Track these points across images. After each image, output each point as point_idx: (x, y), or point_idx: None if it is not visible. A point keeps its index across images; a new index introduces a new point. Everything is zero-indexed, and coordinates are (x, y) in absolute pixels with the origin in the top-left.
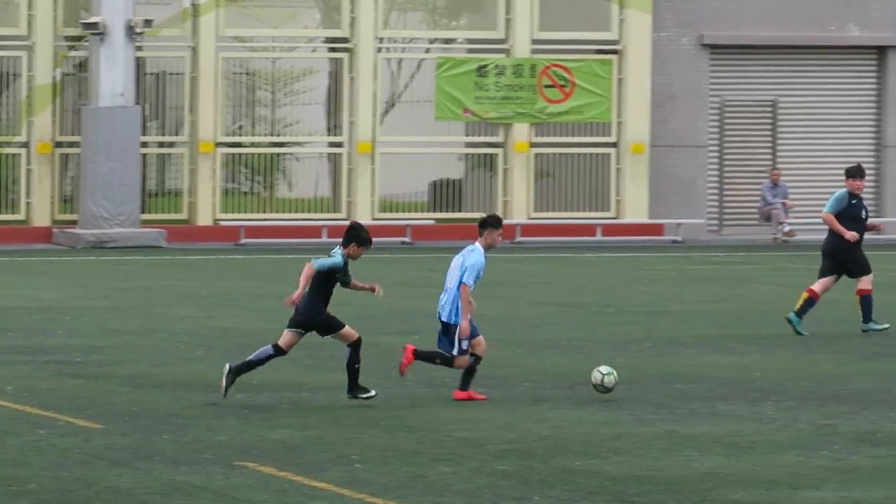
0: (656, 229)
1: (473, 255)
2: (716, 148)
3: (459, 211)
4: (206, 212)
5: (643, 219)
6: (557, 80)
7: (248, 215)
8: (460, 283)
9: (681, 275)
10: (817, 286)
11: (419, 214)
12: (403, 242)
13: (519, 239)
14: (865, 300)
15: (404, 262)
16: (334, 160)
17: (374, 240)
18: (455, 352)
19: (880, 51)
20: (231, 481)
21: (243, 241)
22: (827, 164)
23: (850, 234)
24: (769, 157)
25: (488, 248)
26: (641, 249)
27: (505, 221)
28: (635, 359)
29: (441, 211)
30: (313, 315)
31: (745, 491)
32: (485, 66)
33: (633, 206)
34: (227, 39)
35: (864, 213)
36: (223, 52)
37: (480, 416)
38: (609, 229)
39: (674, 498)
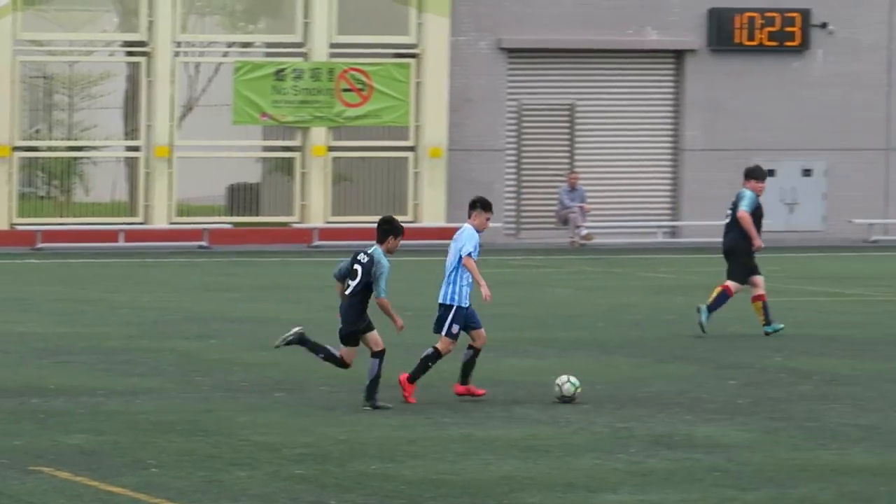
0: (452, 232)
1: (465, 232)
2: (513, 152)
3: (257, 215)
4: (2, 216)
5: (441, 222)
6: (355, 84)
7: (45, 219)
8: (459, 258)
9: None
10: (733, 286)
11: (216, 218)
12: (201, 246)
13: (316, 242)
14: (719, 300)
15: (201, 266)
16: (132, 164)
17: (170, 244)
18: (443, 332)
19: (678, 55)
20: (26, 486)
21: (40, 245)
22: (625, 167)
23: (759, 241)
24: (567, 160)
25: (479, 230)
26: (438, 253)
27: (301, 226)
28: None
29: (238, 215)
30: (358, 323)
31: (541, 494)
32: (283, 70)
33: (431, 209)
34: (24, 43)
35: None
36: (20, 56)
37: (277, 421)
38: (406, 233)
39: (470, 501)
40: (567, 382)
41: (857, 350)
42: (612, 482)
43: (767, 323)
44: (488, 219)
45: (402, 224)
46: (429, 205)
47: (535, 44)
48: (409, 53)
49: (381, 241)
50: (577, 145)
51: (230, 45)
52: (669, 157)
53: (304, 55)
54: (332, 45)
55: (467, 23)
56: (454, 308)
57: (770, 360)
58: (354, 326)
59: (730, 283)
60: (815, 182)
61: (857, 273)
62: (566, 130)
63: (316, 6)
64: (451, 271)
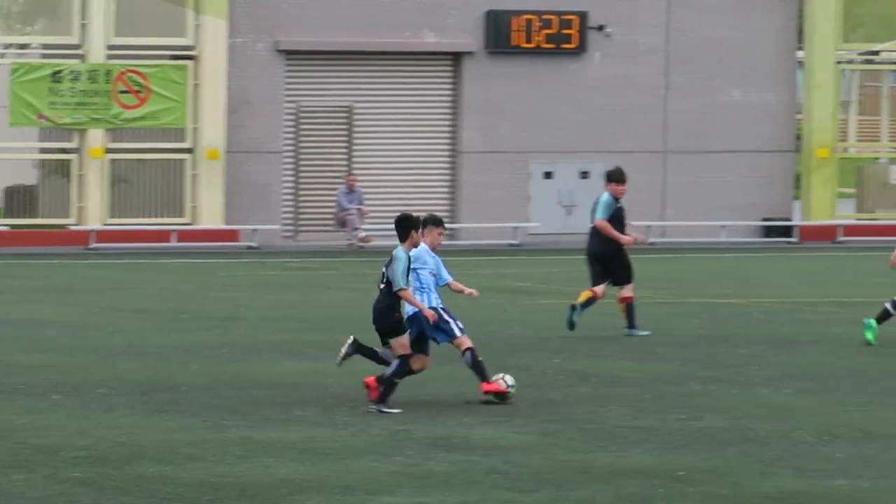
0: (232, 235)
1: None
2: (291, 153)
3: (34, 217)
4: None
5: (218, 224)
6: (133, 86)
7: None
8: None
9: (256, 280)
10: (598, 290)
11: None
12: None
13: (94, 245)
14: (630, 307)
15: None
16: None
17: None
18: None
19: (456, 57)
20: None
21: None
22: (403, 169)
23: (627, 239)
24: (345, 162)
25: (431, 247)
26: (217, 255)
27: (79, 228)
28: (210, 365)
29: (15, 217)
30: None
31: (320, 497)
32: (59, 71)
33: (209, 211)
34: None
35: (625, 217)
36: None
37: (54, 424)
38: (184, 235)
39: None
40: (500, 380)
41: (635, 352)
42: (391, 484)
43: (631, 326)
44: (440, 234)
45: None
46: (206, 207)
47: (313, 46)
48: (187, 55)
49: (403, 240)
50: (355, 147)
51: (7, 46)
52: (448, 159)
53: (81, 57)
54: (110, 47)
55: (245, 25)
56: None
57: (549, 362)
58: (378, 326)
59: (623, 293)
60: (592, 184)
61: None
62: (344, 132)
63: (93, 8)
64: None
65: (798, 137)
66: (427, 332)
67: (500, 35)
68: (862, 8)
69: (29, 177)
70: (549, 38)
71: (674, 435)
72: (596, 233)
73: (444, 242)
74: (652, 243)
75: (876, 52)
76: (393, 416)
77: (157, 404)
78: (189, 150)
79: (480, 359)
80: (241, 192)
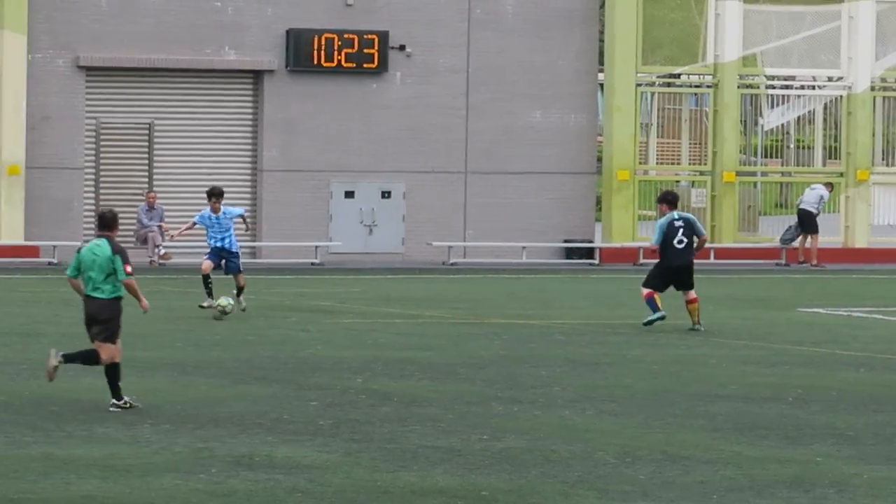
0: (32, 251)
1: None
2: (92, 170)
3: None
4: None
5: (19, 241)
6: None
7: None
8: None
9: (56, 297)
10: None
11: None
12: None
13: None
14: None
15: None
16: None
17: None
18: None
19: (256, 75)
20: None
21: None
22: (204, 187)
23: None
24: (145, 179)
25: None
26: (17, 271)
27: None
28: (10, 381)
29: None
30: None
31: None
32: None
33: (9, 228)
34: None
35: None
36: None
37: None
38: None
39: None
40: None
41: (436, 372)
42: (193, 502)
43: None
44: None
45: None
46: (6, 223)
47: (114, 62)
48: None
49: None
50: (155, 164)
51: None
52: (248, 177)
53: None
54: None
55: (44, 40)
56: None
57: (351, 382)
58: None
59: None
60: (394, 204)
61: (436, 295)
62: (144, 149)
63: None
64: None
65: (599, 159)
66: None
67: (300, 54)
68: (662, 31)
69: None
70: (349, 58)
71: (476, 455)
72: (688, 250)
73: (243, 261)
74: (453, 264)
75: (676, 75)
76: (195, 434)
77: None
78: None
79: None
80: (41, 208)
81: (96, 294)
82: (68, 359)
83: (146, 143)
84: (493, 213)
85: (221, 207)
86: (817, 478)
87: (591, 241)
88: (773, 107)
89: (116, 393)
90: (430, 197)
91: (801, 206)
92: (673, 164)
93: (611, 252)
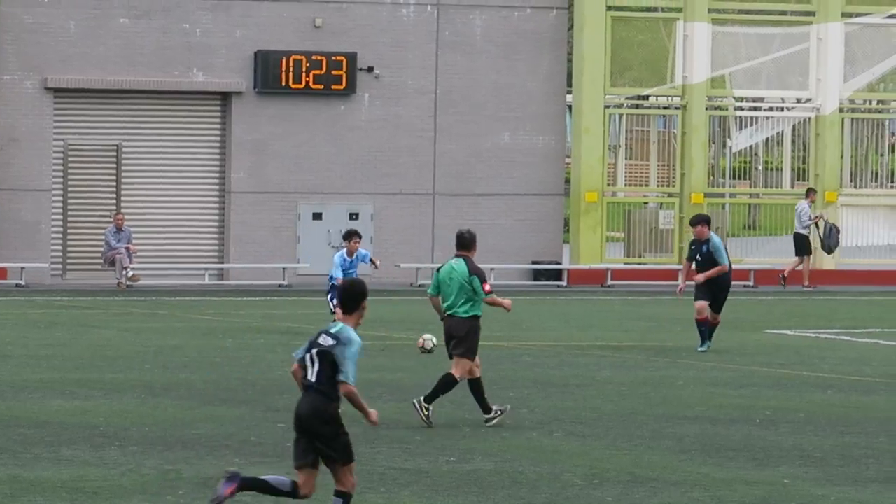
0: (0, 273)
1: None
2: (60, 192)
3: None
4: None
5: None
6: None
7: None
8: None
9: (24, 319)
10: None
11: None
12: None
13: None
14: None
15: None
16: None
17: None
18: None
19: (224, 97)
20: None
21: None
22: (172, 209)
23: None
24: (113, 201)
25: None
26: None
27: None
28: None
29: None
30: None
31: None
32: None
33: None
34: None
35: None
36: None
37: None
38: None
39: None
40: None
41: (405, 394)
42: None
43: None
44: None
45: None
46: None
47: (82, 84)
48: None
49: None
50: (123, 186)
51: None
52: (217, 198)
53: None
54: None
55: (13, 62)
56: None
57: None
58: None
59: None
60: (362, 225)
61: (404, 317)
62: (112, 171)
63: None
64: None
65: (567, 181)
66: None
67: (269, 75)
68: (630, 52)
69: None
70: (318, 79)
71: (444, 477)
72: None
73: (211, 283)
74: (421, 285)
75: (644, 97)
76: (163, 456)
77: None
78: None
79: None
80: (8, 229)
81: (453, 312)
82: (431, 398)
83: (114, 165)
84: None
85: (359, 250)
86: (784, 499)
87: (559, 263)
88: (741, 128)
89: (485, 407)
90: (399, 218)
91: (796, 230)
92: (641, 185)
93: (579, 274)
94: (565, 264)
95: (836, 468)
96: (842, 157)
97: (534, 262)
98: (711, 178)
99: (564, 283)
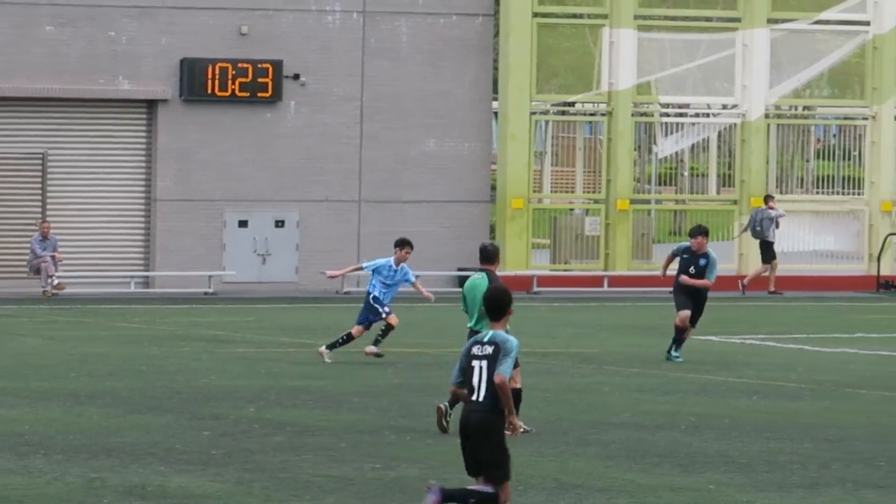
0: None
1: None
2: None
3: None
4: None
5: None
6: None
7: None
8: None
9: None
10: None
11: None
12: None
13: None
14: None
15: None
16: None
17: None
18: None
19: (150, 104)
20: None
21: None
22: (98, 217)
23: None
24: (39, 209)
25: None
26: None
27: None
28: None
29: None
30: None
31: None
32: None
33: None
34: None
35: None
36: None
37: None
38: None
39: None
40: None
41: (330, 401)
42: None
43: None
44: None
45: None
46: None
47: (6, 92)
48: None
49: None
50: (49, 194)
51: None
52: (142, 206)
53: None
54: None
55: None
56: None
57: (244, 411)
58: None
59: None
60: (287, 233)
61: (330, 324)
62: (38, 179)
63: None
64: None
65: (493, 188)
66: None
67: (194, 83)
68: (557, 59)
69: None
70: (243, 87)
71: (369, 484)
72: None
73: (137, 291)
74: (347, 293)
75: (570, 104)
76: (88, 464)
77: None
78: None
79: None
80: None
81: (471, 325)
82: None
83: (40, 173)
84: (387, 242)
85: (404, 265)
86: None
87: None
88: (667, 134)
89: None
90: (325, 226)
91: (760, 238)
92: (567, 192)
93: (505, 280)
94: None
95: (762, 474)
96: (767, 163)
97: (459, 269)
98: (637, 184)
99: None
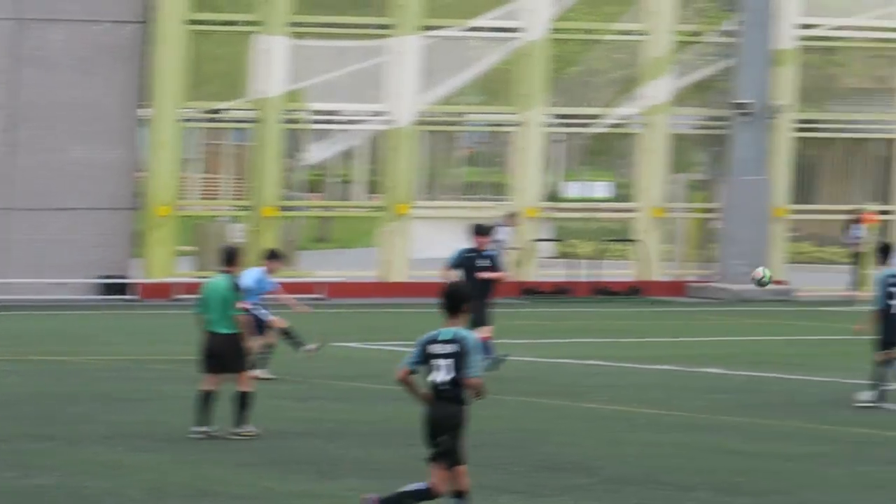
0: None
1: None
2: None
3: None
4: None
5: None
6: None
7: None
8: None
9: None
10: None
11: None
12: None
13: None
14: None
15: None
16: None
17: None
18: None
19: None
20: None
21: None
22: None
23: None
24: None
25: None
26: None
27: None
28: None
29: None
30: None
31: None
32: None
33: None
34: None
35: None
36: None
37: None
38: None
39: None
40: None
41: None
42: None
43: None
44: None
45: None
46: None
47: None
48: None
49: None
50: None
51: None
52: None
53: None
54: None
55: None
56: None
57: None
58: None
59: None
60: None
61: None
62: None
63: None
64: None
65: (141, 195)
66: None
67: None
68: (210, 66)
69: None
70: None
71: (7, 494)
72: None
73: None
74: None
75: (218, 111)
76: None
77: None
78: None
79: None
80: None
81: (208, 328)
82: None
83: None
84: (35, 251)
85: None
86: None
87: (125, 277)
88: (316, 141)
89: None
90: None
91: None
92: (214, 199)
93: (150, 288)
94: (135, 278)
95: (401, 480)
96: (415, 169)
97: (102, 277)
98: (286, 191)
99: (136, 297)
